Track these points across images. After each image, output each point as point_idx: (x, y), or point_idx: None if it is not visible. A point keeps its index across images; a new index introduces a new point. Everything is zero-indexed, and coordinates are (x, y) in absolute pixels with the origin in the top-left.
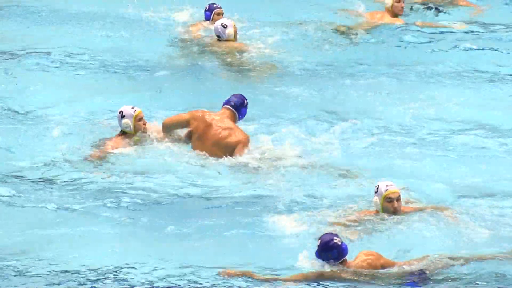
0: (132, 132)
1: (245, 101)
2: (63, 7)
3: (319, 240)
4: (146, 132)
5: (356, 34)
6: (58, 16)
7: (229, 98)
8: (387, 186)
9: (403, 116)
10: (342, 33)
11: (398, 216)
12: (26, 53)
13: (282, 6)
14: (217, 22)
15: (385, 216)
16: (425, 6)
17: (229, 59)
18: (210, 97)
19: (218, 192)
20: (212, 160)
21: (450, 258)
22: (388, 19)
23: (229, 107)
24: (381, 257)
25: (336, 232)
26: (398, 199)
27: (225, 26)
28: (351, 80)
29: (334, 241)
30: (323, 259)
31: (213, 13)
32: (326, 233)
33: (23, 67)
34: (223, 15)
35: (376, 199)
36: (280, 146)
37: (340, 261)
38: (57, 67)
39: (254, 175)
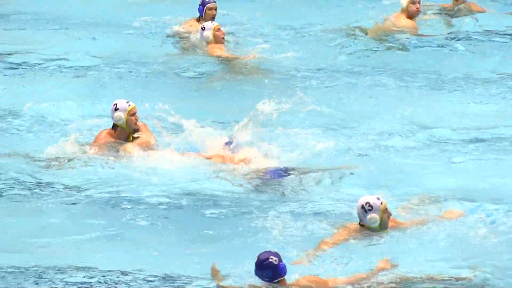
0: (124, 126)
1: None
2: (63, 12)
3: (257, 258)
4: (138, 130)
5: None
6: (57, 20)
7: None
8: (377, 199)
9: (404, 122)
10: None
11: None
12: (26, 56)
13: (284, 8)
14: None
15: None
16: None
17: (206, 64)
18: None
19: (214, 198)
20: (208, 166)
21: (402, 277)
22: (400, 22)
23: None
24: (326, 283)
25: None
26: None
27: (203, 28)
28: (352, 84)
29: (270, 260)
30: (259, 277)
31: (205, 8)
32: (265, 251)
33: (23, 70)
34: (216, 10)
35: (373, 216)
36: (278, 151)
37: (276, 280)
38: (54, 71)
39: (252, 182)
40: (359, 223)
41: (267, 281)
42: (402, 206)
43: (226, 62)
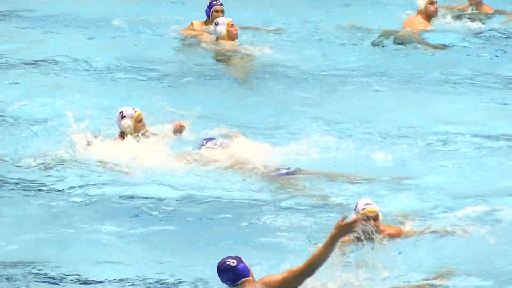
0: (132, 133)
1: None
2: (67, 11)
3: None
4: (145, 135)
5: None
6: (61, 20)
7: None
8: (364, 204)
9: (409, 122)
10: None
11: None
12: (31, 56)
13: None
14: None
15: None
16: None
17: (217, 59)
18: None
19: (218, 197)
20: (212, 165)
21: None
22: (416, 24)
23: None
24: (281, 279)
25: None
26: (375, 218)
27: (216, 23)
28: (360, 85)
29: (227, 263)
30: (224, 283)
31: (211, 10)
32: (224, 257)
33: (27, 72)
34: (223, 12)
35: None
36: (283, 152)
37: (239, 282)
38: (62, 71)
39: (258, 181)
40: None
41: (230, 285)
42: (403, 214)
43: (235, 59)
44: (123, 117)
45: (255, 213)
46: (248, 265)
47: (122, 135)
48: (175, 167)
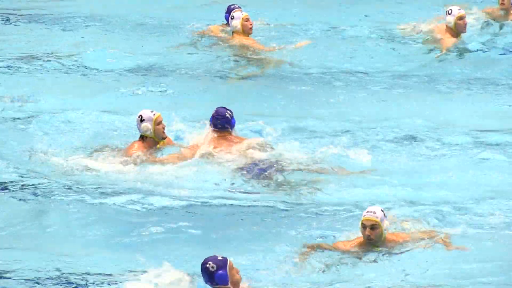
0: (152, 136)
1: (228, 113)
2: (73, 11)
3: None
4: (166, 137)
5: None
6: (73, 19)
7: (215, 122)
8: (367, 212)
9: (426, 125)
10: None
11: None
12: (38, 56)
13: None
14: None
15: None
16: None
17: (231, 54)
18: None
19: (225, 198)
20: (227, 167)
21: None
22: (444, 43)
23: (220, 129)
24: None
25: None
26: (372, 227)
27: (232, 18)
28: (377, 87)
29: (207, 266)
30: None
31: (231, 15)
32: (212, 256)
33: (35, 71)
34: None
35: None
36: (290, 151)
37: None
38: (73, 70)
39: (268, 183)
40: None
41: (210, 284)
42: (405, 219)
43: (249, 55)
44: (142, 120)
45: (259, 214)
46: (232, 271)
47: (143, 138)
48: (187, 170)
